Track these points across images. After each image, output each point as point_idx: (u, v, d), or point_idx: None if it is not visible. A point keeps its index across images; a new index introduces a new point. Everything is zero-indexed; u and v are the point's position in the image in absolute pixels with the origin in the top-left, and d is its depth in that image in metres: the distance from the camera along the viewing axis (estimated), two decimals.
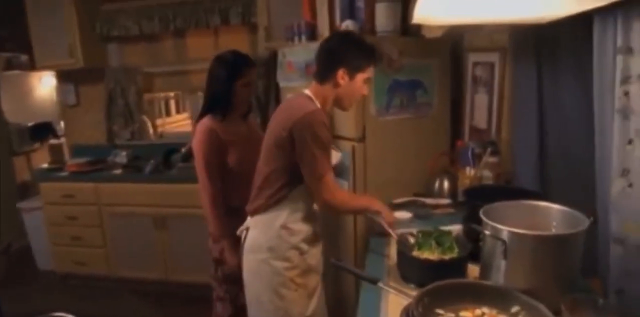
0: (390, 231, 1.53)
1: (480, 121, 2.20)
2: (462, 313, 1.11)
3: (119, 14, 3.27)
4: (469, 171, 1.92)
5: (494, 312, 1.11)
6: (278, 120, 1.58)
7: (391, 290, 1.19)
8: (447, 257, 1.31)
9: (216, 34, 3.33)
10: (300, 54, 2.29)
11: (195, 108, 3.60)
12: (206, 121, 1.89)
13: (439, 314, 1.09)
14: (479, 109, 2.20)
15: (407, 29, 2.10)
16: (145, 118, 3.42)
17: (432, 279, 1.24)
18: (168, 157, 3.30)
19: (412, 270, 1.33)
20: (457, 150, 2.18)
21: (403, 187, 2.14)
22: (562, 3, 1.16)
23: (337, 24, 2.19)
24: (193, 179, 2.95)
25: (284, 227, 1.60)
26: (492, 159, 1.96)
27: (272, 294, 1.60)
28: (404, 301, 1.18)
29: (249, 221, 1.70)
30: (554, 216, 1.26)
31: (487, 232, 1.18)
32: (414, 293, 1.16)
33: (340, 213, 2.07)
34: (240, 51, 1.96)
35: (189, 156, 3.26)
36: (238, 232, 1.74)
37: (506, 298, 1.11)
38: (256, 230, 1.65)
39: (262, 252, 1.62)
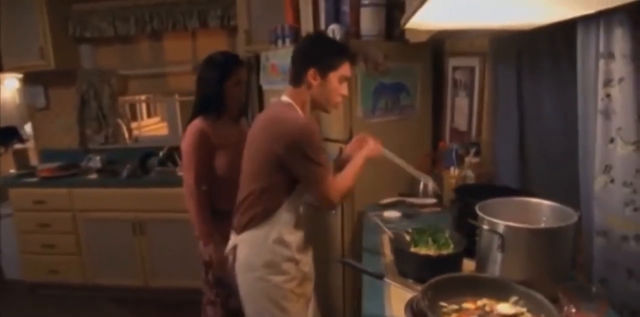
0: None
1: (461, 123, 2.28)
2: (464, 305, 1.16)
3: (92, 15, 3.19)
4: (453, 171, 1.99)
5: (493, 302, 1.16)
6: (267, 133, 1.50)
7: (397, 285, 1.22)
8: (444, 252, 1.35)
9: (194, 36, 3.30)
10: (284, 56, 2.30)
11: (171, 112, 3.55)
12: (198, 123, 1.88)
13: (442, 307, 1.14)
14: (460, 111, 2.29)
15: (391, 34, 2.16)
16: (120, 122, 3.34)
17: (431, 274, 1.29)
18: (145, 162, 3.25)
19: (410, 266, 1.37)
20: (439, 151, 2.25)
21: (388, 187, 2.20)
22: (551, 11, 1.24)
23: (322, 27, 2.22)
24: (172, 183, 2.94)
25: (277, 241, 1.54)
26: (475, 160, 2.04)
27: (275, 310, 1.55)
28: (407, 295, 1.23)
29: (236, 239, 1.62)
30: (544, 211, 1.33)
31: (485, 227, 1.24)
32: (418, 287, 1.21)
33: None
34: (229, 51, 1.97)
35: (166, 160, 3.22)
36: (226, 253, 1.68)
37: (504, 289, 1.16)
38: (247, 247, 1.58)
39: (257, 270, 1.55)
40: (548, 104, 1.72)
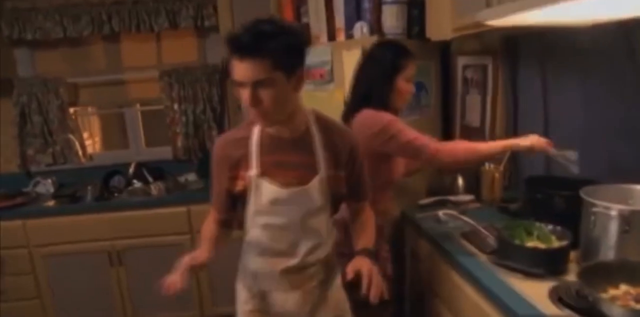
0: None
1: (473, 120, 2.33)
2: (611, 291, 1.16)
3: (33, 13, 2.70)
4: (488, 167, 2.01)
5: (631, 287, 1.17)
6: None
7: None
8: (563, 243, 1.34)
9: (158, 39, 2.96)
10: None
11: (133, 123, 3.12)
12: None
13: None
14: (472, 108, 2.33)
15: (410, 31, 2.13)
16: (72, 137, 2.86)
17: (546, 267, 1.29)
18: (107, 182, 2.83)
19: (526, 261, 1.32)
20: None
21: (412, 187, 2.16)
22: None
23: (342, 25, 2.13)
24: (149, 204, 2.59)
25: (243, 258, 1.41)
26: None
27: None
28: (535, 286, 1.22)
29: None
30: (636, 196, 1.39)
31: (608, 212, 1.25)
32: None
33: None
34: (393, 41, 1.81)
35: (134, 178, 2.84)
36: None
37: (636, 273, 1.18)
38: None
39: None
40: (575, 101, 1.80)
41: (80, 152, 2.89)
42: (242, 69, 1.10)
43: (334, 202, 1.35)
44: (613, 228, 1.27)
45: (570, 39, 1.74)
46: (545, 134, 1.92)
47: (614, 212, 1.25)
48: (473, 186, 2.09)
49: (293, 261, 1.31)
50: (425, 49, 2.17)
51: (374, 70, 1.64)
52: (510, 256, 1.37)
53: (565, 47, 1.80)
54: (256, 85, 1.10)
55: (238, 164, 1.27)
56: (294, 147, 1.26)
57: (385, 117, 1.60)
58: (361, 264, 1.20)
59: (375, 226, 1.45)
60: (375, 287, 1.15)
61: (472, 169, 2.09)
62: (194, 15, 2.78)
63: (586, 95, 1.73)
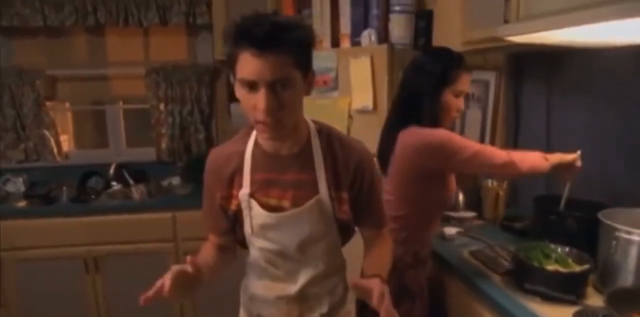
0: None
1: (472, 135, 2.31)
2: None
3: None
4: (491, 184, 2.00)
5: None
6: None
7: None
8: (575, 268, 1.33)
9: (146, 34, 2.81)
10: None
11: (114, 122, 2.94)
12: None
13: None
14: (471, 124, 2.32)
15: (417, 42, 2.10)
16: (47, 134, 2.67)
17: (565, 291, 1.27)
18: (84, 182, 2.66)
19: (545, 284, 1.29)
20: None
21: None
22: None
23: (344, 31, 2.07)
24: (130, 207, 2.44)
25: (245, 279, 1.31)
26: None
27: None
28: (557, 309, 1.21)
29: None
30: None
31: (634, 237, 1.24)
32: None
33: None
34: (447, 48, 1.54)
35: (112, 180, 2.68)
36: None
37: None
38: None
39: None
40: (580, 122, 1.80)
41: (55, 150, 2.71)
42: (257, 66, 0.90)
43: (342, 229, 1.17)
44: (634, 253, 1.27)
45: (580, 59, 1.75)
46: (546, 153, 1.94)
47: (636, 237, 1.25)
48: (474, 203, 2.07)
49: (291, 289, 1.18)
50: None
51: (419, 81, 1.45)
52: (529, 278, 1.34)
53: (574, 67, 1.81)
54: (273, 85, 0.92)
55: (231, 181, 1.13)
56: (291, 164, 1.10)
57: (438, 134, 1.40)
58: (371, 282, 0.98)
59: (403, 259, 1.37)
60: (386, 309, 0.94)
61: (473, 185, 2.08)
62: (186, 11, 2.65)
63: (592, 117, 1.73)
